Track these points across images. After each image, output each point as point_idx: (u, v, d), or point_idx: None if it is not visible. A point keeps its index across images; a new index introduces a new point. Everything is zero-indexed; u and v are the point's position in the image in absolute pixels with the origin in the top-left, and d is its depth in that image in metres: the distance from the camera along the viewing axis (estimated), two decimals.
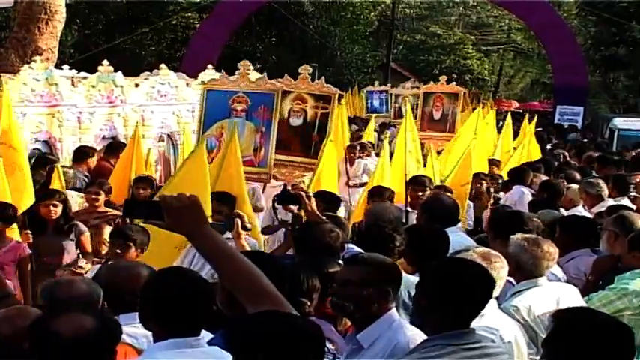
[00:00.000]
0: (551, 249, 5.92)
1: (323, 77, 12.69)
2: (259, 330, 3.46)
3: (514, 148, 16.31)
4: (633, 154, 18.60)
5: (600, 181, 10.39)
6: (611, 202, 9.84)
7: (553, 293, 5.82)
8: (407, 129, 12.39)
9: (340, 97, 23.92)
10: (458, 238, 7.19)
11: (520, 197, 11.23)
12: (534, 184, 11.80)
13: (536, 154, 15.46)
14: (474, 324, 4.48)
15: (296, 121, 11.74)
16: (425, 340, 4.34)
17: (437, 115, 18.75)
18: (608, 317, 4.20)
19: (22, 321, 4.03)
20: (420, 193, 10.06)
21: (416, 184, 10.33)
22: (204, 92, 11.63)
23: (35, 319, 3.92)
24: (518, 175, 12.17)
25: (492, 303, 5.12)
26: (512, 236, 6.07)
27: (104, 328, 3.76)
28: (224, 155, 9.40)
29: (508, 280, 5.82)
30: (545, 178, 12.09)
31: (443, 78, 19.79)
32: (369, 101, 29.06)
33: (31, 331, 3.78)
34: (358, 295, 4.72)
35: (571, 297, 5.89)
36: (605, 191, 10.18)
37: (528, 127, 17.84)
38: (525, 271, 5.80)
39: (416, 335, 4.54)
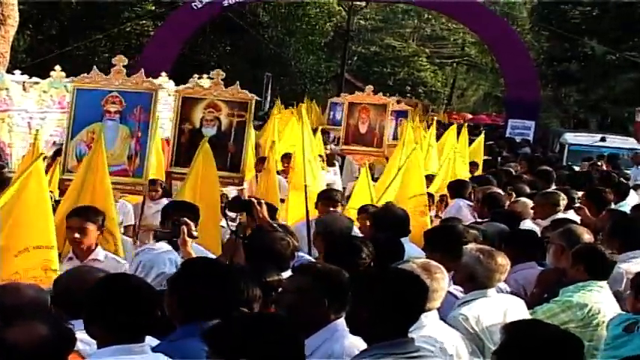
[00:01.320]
0: (504, 262, 5.99)
1: (277, 87, 12.22)
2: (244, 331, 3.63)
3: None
4: (587, 168, 18.84)
5: (559, 194, 10.49)
6: (560, 215, 9.95)
7: (501, 305, 5.87)
8: (304, 136, 11.73)
9: (290, 106, 23.75)
10: (408, 248, 7.23)
11: (458, 210, 11.21)
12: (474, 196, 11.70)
13: (461, 172, 14.96)
14: (415, 336, 4.51)
15: (209, 131, 10.56)
16: (364, 350, 4.34)
17: (363, 128, 16.89)
18: (559, 329, 4.26)
19: None
20: (332, 209, 9.59)
21: (327, 199, 9.90)
22: (74, 91, 10.23)
23: None
24: (458, 188, 12.01)
25: (434, 314, 5.15)
26: (466, 247, 6.15)
27: (58, 336, 3.71)
28: (88, 164, 8.58)
29: (449, 292, 5.86)
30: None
31: (369, 88, 17.93)
32: (332, 113, 28.03)
33: None
34: (291, 303, 4.78)
35: (518, 309, 5.96)
36: (562, 204, 10.28)
37: (458, 143, 17.21)
38: (477, 282, 5.85)
39: (353, 346, 4.54)
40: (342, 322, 4.71)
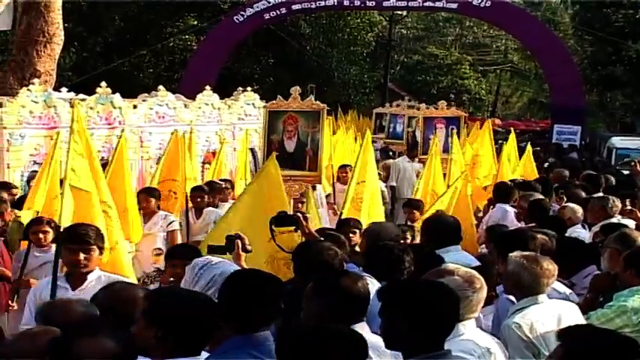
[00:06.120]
0: (550, 266, 5.93)
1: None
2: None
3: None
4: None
5: (612, 199, 10.40)
6: (615, 219, 9.87)
7: (554, 310, 5.83)
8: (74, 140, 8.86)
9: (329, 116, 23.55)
10: (459, 256, 7.20)
11: (503, 215, 11.10)
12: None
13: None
14: (452, 345, 4.51)
15: None
16: None
17: (290, 145, 11.42)
18: (616, 334, 4.18)
19: (45, 340, 3.96)
20: None
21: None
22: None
23: (54, 339, 3.87)
24: (504, 194, 11.89)
25: (471, 323, 5.12)
26: (510, 254, 6.09)
27: (125, 348, 3.77)
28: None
29: (507, 298, 5.85)
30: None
31: (295, 90, 11.61)
32: (393, 125, 26.58)
33: (51, 352, 3.74)
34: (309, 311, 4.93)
35: (572, 314, 5.91)
36: (615, 209, 10.19)
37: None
38: (525, 288, 5.81)
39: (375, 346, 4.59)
40: (362, 325, 4.86)
